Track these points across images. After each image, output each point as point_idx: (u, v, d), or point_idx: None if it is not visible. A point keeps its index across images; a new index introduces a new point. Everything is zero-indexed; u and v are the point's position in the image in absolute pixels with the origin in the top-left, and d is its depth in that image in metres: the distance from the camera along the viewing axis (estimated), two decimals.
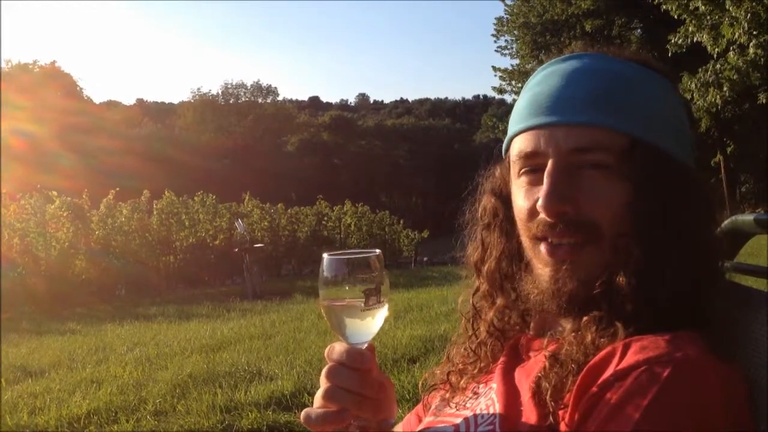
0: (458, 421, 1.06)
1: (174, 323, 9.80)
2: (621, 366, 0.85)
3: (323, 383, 1.02)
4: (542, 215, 1.01)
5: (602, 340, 0.93)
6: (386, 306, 1.02)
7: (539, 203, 1.00)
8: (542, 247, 1.03)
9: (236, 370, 5.93)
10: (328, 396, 1.01)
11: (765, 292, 1.01)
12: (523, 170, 1.06)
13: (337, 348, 1.03)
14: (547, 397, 0.92)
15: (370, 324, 1.02)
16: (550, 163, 1.00)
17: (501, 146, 1.18)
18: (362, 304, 1.00)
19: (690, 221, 0.98)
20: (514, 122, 1.09)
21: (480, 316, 1.22)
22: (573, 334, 0.97)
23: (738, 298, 1.03)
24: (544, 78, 1.07)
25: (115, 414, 4.90)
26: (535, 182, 1.03)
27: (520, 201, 1.07)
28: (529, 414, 0.94)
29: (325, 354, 1.04)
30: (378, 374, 1.07)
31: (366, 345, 1.03)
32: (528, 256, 1.09)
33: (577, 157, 0.99)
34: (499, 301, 1.18)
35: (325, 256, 1.02)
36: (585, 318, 0.96)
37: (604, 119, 0.99)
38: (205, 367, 6.11)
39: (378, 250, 1.03)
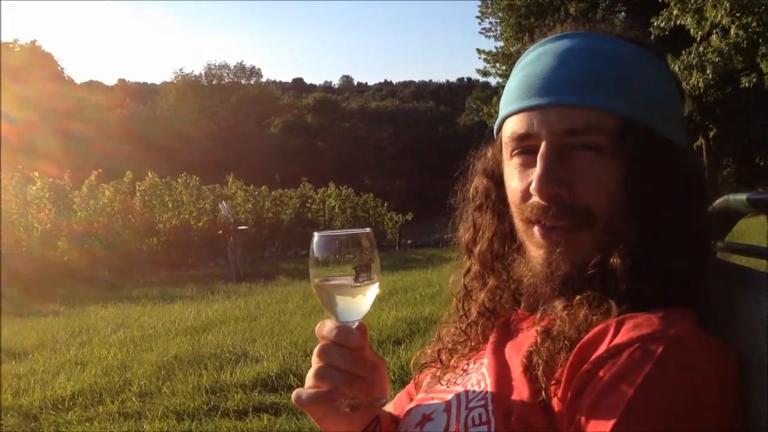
0: (449, 397, 1.06)
1: (158, 305, 9.78)
2: (614, 343, 0.85)
3: (315, 362, 1.01)
4: (535, 198, 1.01)
5: (595, 317, 0.93)
6: (377, 284, 1.02)
7: (532, 186, 1.00)
8: (535, 230, 1.03)
9: (221, 351, 5.93)
10: (319, 375, 1.00)
11: (756, 270, 1.02)
12: (515, 152, 1.06)
13: (328, 325, 1.01)
14: (539, 373, 0.92)
15: (361, 301, 1.02)
16: (543, 145, 1.00)
17: (492, 127, 1.17)
18: (353, 281, 0.99)
19: (683, 201, 0.98)
20: (506, 103, 1.08)
21: (471, 296, 1.22)
22: (565, 311, 0.97)
23: (730, 276, 1.04)
24: (536, 58, 1.06)
25: (100, 395, 4.90)
26: (527, 164, 1.03)
27: (513, 183, 1.07)
28: (521, 389, 0.94)
29: (316, 330, 1.03)
30: (370, 353, 1.06)
31: (357, 324, 1.02)
32: (521, 238, 1.09)
33: (570, 139, 0.99)
34: (491, 281, 1.18)
35: (315, 234, 1.02)
36: (578, 297, 0.97)
37: (596, 100, 0.98)
38: (190, 348, 6.11)
39: (368, 229, 1.03)
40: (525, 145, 1.04)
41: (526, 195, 1.03)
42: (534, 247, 1.04)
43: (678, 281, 0.95)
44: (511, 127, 1.06)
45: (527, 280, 1.06)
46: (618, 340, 0.86)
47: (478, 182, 1.20)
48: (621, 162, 0.97)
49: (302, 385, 1.03)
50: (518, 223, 1.08)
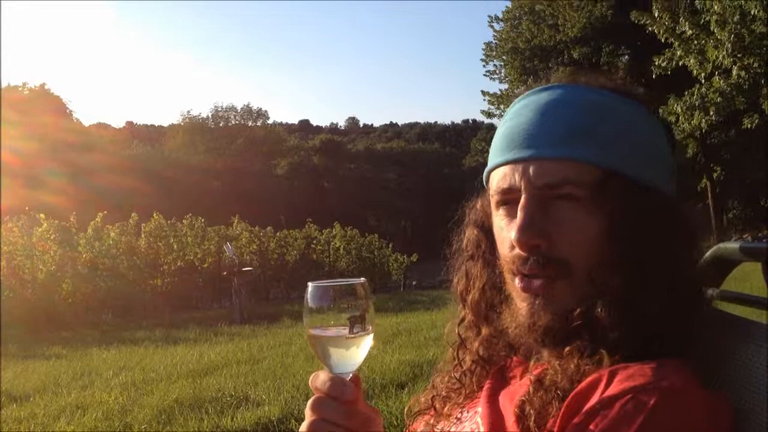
0: None
1: (161, 347, 9.72)
2: (606, 394, 0.85)
3: (308, 415, 1.00)
4: (517, 249, 1.02)
5: (587, 367, 0.92)
6: (371, 335, 1.01)
7: (513, 237, 1.01)
8: (517, 282, 1.04)
9: (223, 395, 5.88)
10: (312, 429, 0.98)
11: (752, 320, 1.01)
12: (500, 204, 1.07)
13: (321, 377, 1.00)
14: (531, 423, 0.91)
15: (355, 353, 1.01)
16: (523, 197, 1.01)
17: (482, 178, 1.19)
18: (347, 333, 0.98)
19: (668, 249, 0.98)
20: (492, 155, 1.10)
21: (465, 345, 1.22)
22: (557, 361, 0.97)
23: (724, 325, 1.03)
24: (519, 111, 1.08)
25: None
26: (512, 215, 1.04)
27: (501, 234, 1.08)
28: None
29: (309, 382, 1.02)
30: (363, 406, 1.05)
31: (351, 375, 1.01)
32: (508, 289, 1.09)
33: (549, 191, 1.00)
34: (484, 330, 1.18)
35: (309, 284, 1.01)
36: (567, 348, 0.97)
37: (575, 153, 0.99)
38: (192, 392, 6.06)
39: (363, 279, 1.02)
40: (508, 198, 1.05)
41: (511, 246, 1.04)
42: (518, 299, 1.05)
43: (670, 330, 0.94)
44: (496, 180, 1.07)
45: (512, 331, 1.06)
46: (610, 391, 0.85)
47: (469, 233, 1.22)
48: (601, 212, 0.97)
49: None
50: (505, 274, 1.09)
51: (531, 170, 1.01)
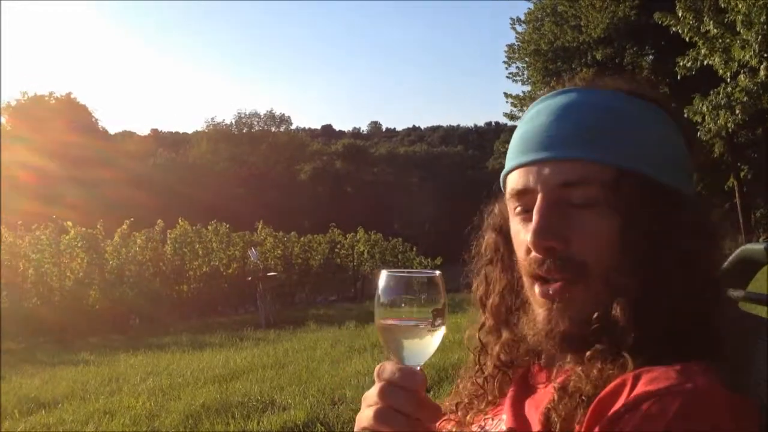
0: None
1: (187, 353, 9.80)
2: (631, 397, 0.84)
3: (373, 402, 0.95)
4: (534, 252, 1.02)
5: (611, 371, 0.92)
6: (444, 327, 0.99)
7: (528, 239, 1.01)
8: (536, 288, 1.03)
9: (249, 399, 5.91)
10: (380, 417, 0.93)
11: None
12: (517, 207, 1.07)
13: (389, 367, 0.96)
14: (557, 430, 0.91)
15: (430, 345, 0.99)
16: (538, 198, 1.01)
17: (499, 182, 1.19)
18: (429, 325, 0.97)
19: (684, 249, 0.97)
20: (508, 160, 1.11)
21: (487, 350, 1.21)
22: (580, 367, 0.96)
23: (750, 327, 1.02)
24: (535, 115, 1.08)
25: None
26: (529, 218, 1.04)
27: (518, 238, 1.08)
28: None
29: (375, 374, 0.98)
30: (428, 399, 0.99)
31: (419, 368, 0.98)
32: (526, 294, 1.09)
33: (565, 192, 1.00)
34: (505, 335, 1.18)
35: (385, 273, 0.99)
36: (588, 352, 0.96)
37: (590, 153, 0.99)
38: (218, 397, 6.10)
39: (438, 271, 1.00)
40: (525, 201, 1.05)
41: (527, 249, 1.04)
42: (536, 305, 1.05)
43: (691, 332, 0.93)
44: (512, 183, 1.08)
45: (530, 338, 1.06)
46: (634, 394, 0.84)
47: (488, 238, 1.22)
48: (617, 213, 0.97)
49: None
50: (524, 279, 1.08)
51: (546, 171, 1.02)
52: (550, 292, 1.00)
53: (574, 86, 1.09)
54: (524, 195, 1.05)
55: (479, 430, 1.11)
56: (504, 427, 1.03)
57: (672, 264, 0.95)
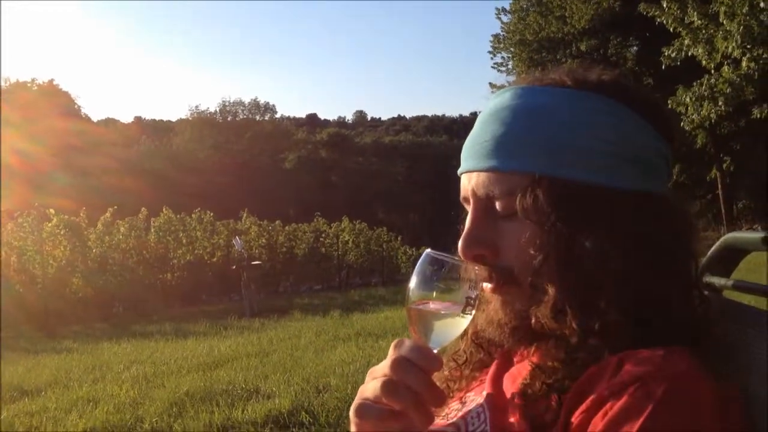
0: (449, 431, 1.05)
1: (171, 341, 9.77)
2: (615, 381, 0.84)
3: (385, 375, 0.92)
4: None
5: (587, 353, 0.92)
6: (471, 317, 0.99)
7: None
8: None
9: (233, 388, 5.91)
10: (388, 388, 0.89)
11: (762, 310, 1.01)
12: (464, 212, 1.10)
13: (408, 343, 0.93)
14: (533, 403, 0.92)
15: (456, 332, 0.99)
16: (471, 208, 1.04)
17: None
18: (460, 311, 0.96)
19: (610, 247, 0.94)
20: None
21: (466, 331, 1.22)
22: (554, 348, 0.97)
23: (734, 315, 1.03)
24: (478, 118, 1.10)
25: None
26: None
27: None
28: (519, 421, 0.93)
29: (391, 347, 0.95)
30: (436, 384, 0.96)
31: (436, 351, 0.97)
32: None
33: (491, 203, 1.02)
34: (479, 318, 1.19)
35: (430, 253, 0.98)
36: (552, 340, 0.97)
37: (507, 163, 0.99)
38: (202, 385, 6.09)
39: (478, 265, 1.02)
40: (468, 207, 1.08)
41: None
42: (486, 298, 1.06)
43: (661, 320, 0.93)
44: (461, 187, 1.10)
45: (483, 329, 1.07)
46: (619, 378, 0.85)
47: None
48: (533, 218, 0.97)
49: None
50: None
51: (474, 182, 1.04)
52: (491, 288, 1.02)
53: (515, 85, 1.08)
54: (466, 201, 1.07)
55: (460, 404, 1.12)
56: (485, 403, 1.03)
57: (592, 265, 0.93)
